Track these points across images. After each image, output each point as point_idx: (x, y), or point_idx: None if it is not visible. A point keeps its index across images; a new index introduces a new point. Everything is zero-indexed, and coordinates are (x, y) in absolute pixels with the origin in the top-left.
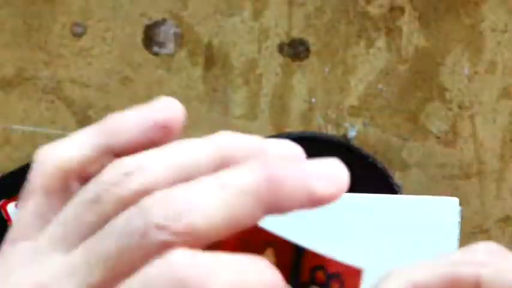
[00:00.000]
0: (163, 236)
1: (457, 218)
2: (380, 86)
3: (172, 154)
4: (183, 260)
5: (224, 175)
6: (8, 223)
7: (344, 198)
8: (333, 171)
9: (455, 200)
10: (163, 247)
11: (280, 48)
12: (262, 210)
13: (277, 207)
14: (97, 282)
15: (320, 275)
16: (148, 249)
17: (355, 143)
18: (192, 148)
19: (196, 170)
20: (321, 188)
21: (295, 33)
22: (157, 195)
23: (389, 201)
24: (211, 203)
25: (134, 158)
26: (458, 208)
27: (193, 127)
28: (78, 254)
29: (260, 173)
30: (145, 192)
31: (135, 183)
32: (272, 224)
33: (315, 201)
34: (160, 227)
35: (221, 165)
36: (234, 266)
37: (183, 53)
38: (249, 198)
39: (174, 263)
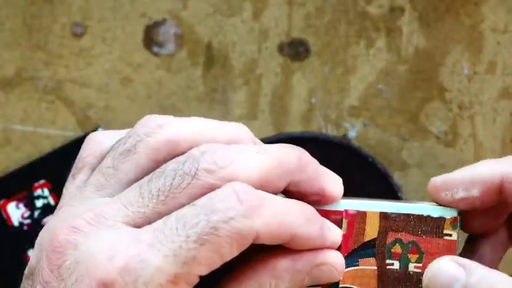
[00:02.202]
0: (210, 179)
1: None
2: (380, 86)
3: (196, 121)
4: (242, 186)
5: (262, 145)
6: (8, 223)
7: (344, 203)
8: (337, 180)
9: (454, 211)
10: (208, 189)
11: (280, 48)
12: (285, 181)
13: (296, 183)
14: (150, 212)
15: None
16: (195, 190)
17: (355, 143)
18: (212, 122)
19: (215, 137)
20: (330, 186)
21: (295, 33)
22: (203, 148)
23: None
24: (251, 161)
25: (164, 116)
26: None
27: None
28: (132, 191)
29: (294, 152)
30: (176, 144)
31: (166, 133)
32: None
33: (321, 195)
34: (209, 171)
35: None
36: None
37: (183, 53)
38: (280, 167)
39: (235, 185)
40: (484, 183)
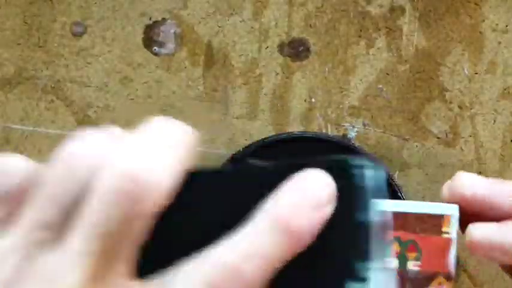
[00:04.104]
0: None
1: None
2: (380, 86)
3: None
4: None
5: None
6: None
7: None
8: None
9: (455, 207)
10: None
11: (280, 48)
12: None
13: None
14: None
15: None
16: None
17: (355, 143)
18: None
19: None
20: None
21: (295, 33)
22: None
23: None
24: None
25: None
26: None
27: (193, 127)
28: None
29: None
30: None
31: None
32: None
33: None
34: None
35: None
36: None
37: (183, 53)
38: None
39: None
40: None
